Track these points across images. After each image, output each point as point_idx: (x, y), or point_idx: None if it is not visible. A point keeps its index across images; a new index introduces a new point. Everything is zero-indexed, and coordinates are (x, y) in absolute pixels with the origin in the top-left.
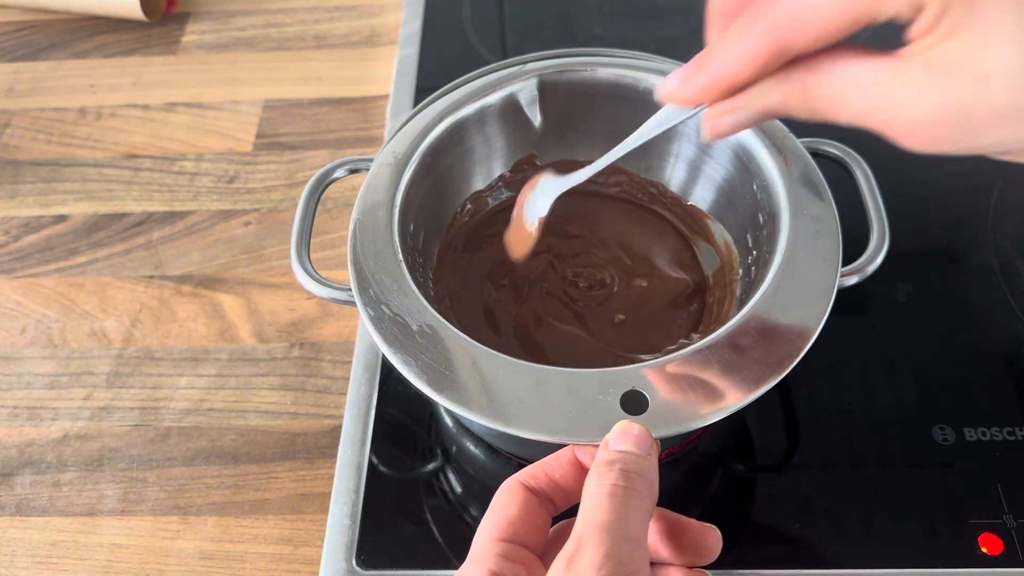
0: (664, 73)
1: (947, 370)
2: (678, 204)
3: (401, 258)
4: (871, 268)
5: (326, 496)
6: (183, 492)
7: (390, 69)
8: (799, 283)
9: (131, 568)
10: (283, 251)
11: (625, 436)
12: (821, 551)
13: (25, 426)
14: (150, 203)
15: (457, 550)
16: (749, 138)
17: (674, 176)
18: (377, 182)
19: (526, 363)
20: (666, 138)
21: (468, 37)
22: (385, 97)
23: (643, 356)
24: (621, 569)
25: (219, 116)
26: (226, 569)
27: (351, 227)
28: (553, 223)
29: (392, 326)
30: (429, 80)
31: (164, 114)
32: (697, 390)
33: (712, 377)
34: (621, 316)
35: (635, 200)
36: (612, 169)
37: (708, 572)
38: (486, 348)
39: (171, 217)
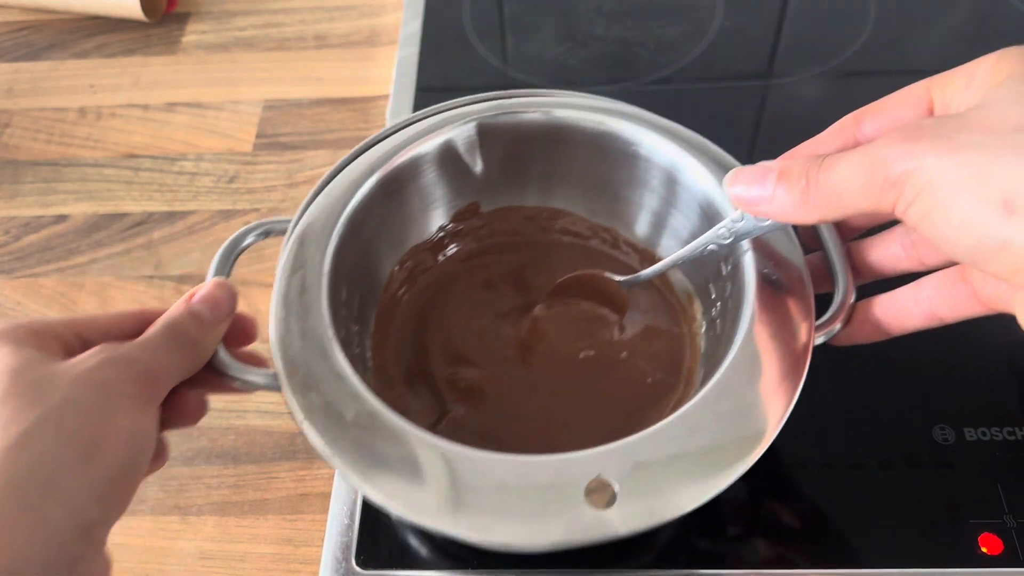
0: (606, 111)
1: (947, 370)
2: (633, 248)
3: (332, 334)
4: (837, 326)
5: (326, 496)
6: (183, 492)
7: (390, 69)
8: (769, 343)
9: (131, 568)
10: None
11: (207, 298)
12: (821, 551)
13: None
14: (150, 203)
15: (456, 550)
16: (715, 189)
17: (638, 229)
18: (299, 250)
19: (475, 451)
20: (630, 187)
21: (468, 37)
22: (385, 97)
23: (607, 433)
24: (127, 371)
25: (219, 116)
26: (226, 569)
27: (273, 304)
28: (507, 279)
29: (324, 415)
30: (429, 80)
31: (164, 114)
32: (670, 473)
33: (686, 457)
34: (573, 393)
35: (591, 246)
36: (561, 213)
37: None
38: (428, 435)
39: (171, 217)
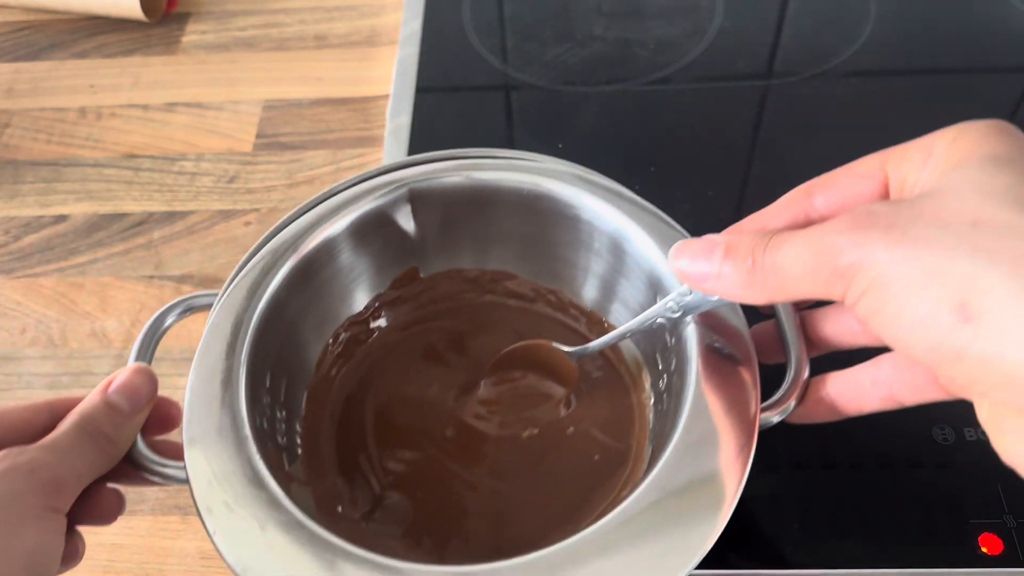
0: (545, 172)
1: None
2: (580, 311)
3: (248, 433)
4: (792, 403)
5: None
6: (183, 492)
7: (390, 69)
8: (715, 421)
9: (131, 568)
10: None
11: (125, 387)
12: (821, 551)
13: None
14: (150, 203)
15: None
16: (662, 262)
17: (585, 293)
18: (217, 338)
19: (402, 563)
20: (573, 249)
21: (468, 37)
22: (385, 97)
23: (552, 520)
24: (30, 481)
25: (219, 116)
26: (226, 569)
27: (186, 400)
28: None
29: (238, 525)
30: (429, 80)
31: (164, 114)
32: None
33: (631, 555)
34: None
35: (536, 309)
36: (505, 275)
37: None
38: (351, 547)
39: (171, 217)
